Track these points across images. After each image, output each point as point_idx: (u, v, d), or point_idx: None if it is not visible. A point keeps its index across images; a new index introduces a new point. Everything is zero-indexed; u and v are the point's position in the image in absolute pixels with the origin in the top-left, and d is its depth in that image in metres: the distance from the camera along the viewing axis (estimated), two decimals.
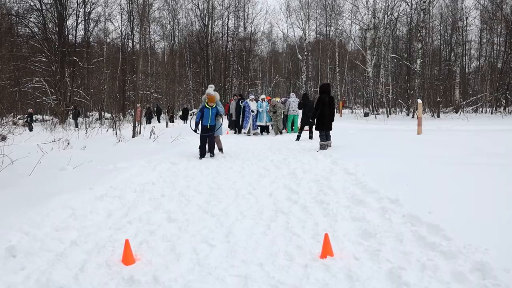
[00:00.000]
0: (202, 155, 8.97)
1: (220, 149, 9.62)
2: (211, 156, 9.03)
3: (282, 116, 14.90)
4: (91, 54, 32.12)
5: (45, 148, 8.75)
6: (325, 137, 9.59)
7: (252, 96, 16.32)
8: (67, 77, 28.78)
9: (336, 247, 3.29)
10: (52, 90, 28.37)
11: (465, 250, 2.95)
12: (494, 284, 2.48)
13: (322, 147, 9.44)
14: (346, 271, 2.88)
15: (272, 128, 15.47)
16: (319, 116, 9.57)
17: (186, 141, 12.23)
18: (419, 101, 12.54)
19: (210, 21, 38.79)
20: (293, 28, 53.83)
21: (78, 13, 31.46)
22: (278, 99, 16.19)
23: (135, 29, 35.77)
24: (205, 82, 38.18)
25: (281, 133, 14.79)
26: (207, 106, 8.85)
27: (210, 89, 9.11)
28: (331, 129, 9.67)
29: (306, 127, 12.90)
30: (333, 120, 9.70)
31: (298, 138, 12.13)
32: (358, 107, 41.80)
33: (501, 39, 31.03)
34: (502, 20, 27.25)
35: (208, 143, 9.07)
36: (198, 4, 39.21)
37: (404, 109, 30.09)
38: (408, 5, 28.92)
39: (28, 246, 3.51)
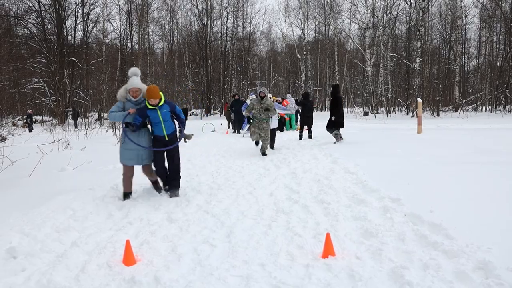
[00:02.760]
0: (164, 185, 5.57)
1: (155, 184, 5.62)
2: (170, 194, 5.35)
3: (271, 120, 9.45)
4: (90, 55, 32.11)
5: (45, 149, 8.73)
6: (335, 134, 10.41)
7: (253, 96, 15.05)
8: (66, 78, 28.76)
9: (338, 246, 3.27)
10: (51, 91, 28.36)
11: (468, 249, 2.94)
12: (498, 283, 2.46)
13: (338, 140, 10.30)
14: (348, 270, 2.87)
15: (250, 135, 9.45)
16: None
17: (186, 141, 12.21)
18: (419, 100, 12.55)
19: (209, 21, 38.78)
20: (292, 27, 53.91)
21: (76, 14, 31.48)
22: (271, 97, 13.62)
23: (134, 29, 35.75)
24: (204, 82, 38.20)
25: (271, 147, 9.93)
26: (150, 106, 5.14)
27: (136, 78, 5.22)
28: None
29: (304, 127, 12.94)
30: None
31: (300, 137, 12.18)
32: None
33: (500, 37, 31.07)
34: (501, 18, 27.25)
35: (170, 165, 5.43)
36: (197, 4, 39.22)
37: (403, 108, 30.12)
38: (407, 4, 28.94)
39: (29, 247, 3.49)
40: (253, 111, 9.12)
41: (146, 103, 5.17)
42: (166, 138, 5.32)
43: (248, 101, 14.69)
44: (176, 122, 5.58)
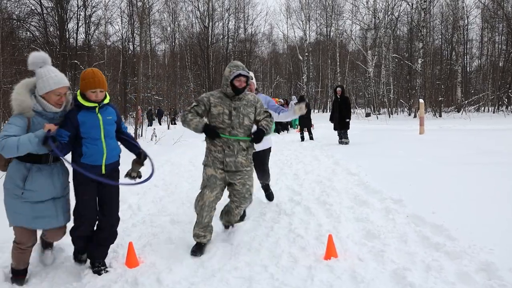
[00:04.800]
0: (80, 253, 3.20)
1: (50, 245, 3.26)
2: (95, 268, 3.05)
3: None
4: (92, 57, 32.18)
5: None
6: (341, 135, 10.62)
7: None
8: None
9: (340, 248, 3.27)
10: None
11: (470, 250, 2.94)
12: (500, 285, 2.46)
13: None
14: (351, 272, 2.87)
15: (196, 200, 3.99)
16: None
17: (187, 143, 12.24)
18: (421, 100, 12.56)
19: (211, 23, 38.83)
20: (294, 29, 53.74)
21: (78, 16, 31.56)
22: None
23: (136, 31, 35.83)
24: (206, 83, 38.23)
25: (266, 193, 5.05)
26: (86, 103, 2.87)
27: (55, 71, 2.95)
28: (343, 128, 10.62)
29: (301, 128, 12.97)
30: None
31: (302, 139, 12.23)
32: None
33: (502, 38, 31.00)
34: (503, 19, 27.21)
35: (105, 212, 3.08)
36: (198, 6, 39.29)
37: (405, 109, 30.09)
38: (409, 5, 28.94)
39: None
40: (213, 121, 3.50)
41: (79, 99, 2.88)
42: (103, 172, 2.97)
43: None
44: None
